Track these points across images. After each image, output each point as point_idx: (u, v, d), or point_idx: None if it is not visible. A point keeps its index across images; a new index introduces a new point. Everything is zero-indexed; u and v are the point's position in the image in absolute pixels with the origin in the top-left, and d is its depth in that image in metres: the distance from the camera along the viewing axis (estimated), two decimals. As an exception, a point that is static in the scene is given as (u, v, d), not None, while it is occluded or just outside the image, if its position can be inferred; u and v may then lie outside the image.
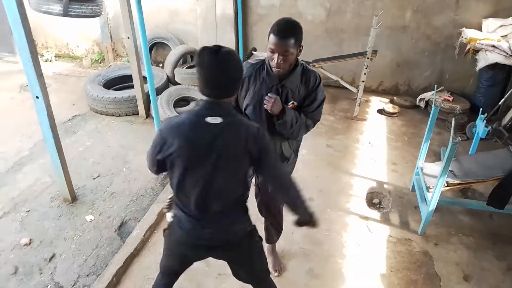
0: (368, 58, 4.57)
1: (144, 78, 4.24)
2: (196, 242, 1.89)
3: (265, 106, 2.11)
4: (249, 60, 2.18)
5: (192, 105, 4.76)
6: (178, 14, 5.87)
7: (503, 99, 4.67)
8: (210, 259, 2.92)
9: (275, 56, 2.03)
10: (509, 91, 4.64)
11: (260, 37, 5.86)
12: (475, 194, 3.70)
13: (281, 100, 2.14)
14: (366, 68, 4.63)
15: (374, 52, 4.68)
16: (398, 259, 3.02)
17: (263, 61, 2.22)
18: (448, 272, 2.94)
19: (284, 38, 1.99)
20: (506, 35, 4.61)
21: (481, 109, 3.76)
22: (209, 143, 1.67)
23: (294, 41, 2.03)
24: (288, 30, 2.02)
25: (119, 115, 4.90)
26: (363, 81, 4.76)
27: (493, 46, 4.53)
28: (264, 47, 5.69)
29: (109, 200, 3.53)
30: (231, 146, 1.72)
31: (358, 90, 4.87)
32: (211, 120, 1.66)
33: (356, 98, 4.94)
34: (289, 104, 2.20)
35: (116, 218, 3.33)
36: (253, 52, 5.36)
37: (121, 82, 5.34)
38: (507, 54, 4.44)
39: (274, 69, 2.12)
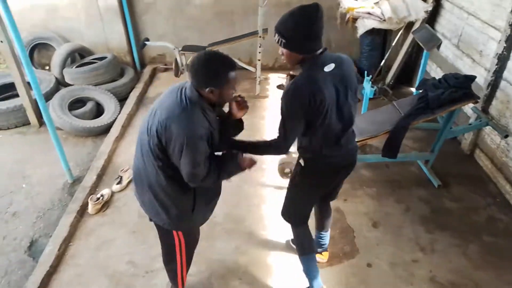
0: (260, 36, 4.71)
1: (29, 84, 3.89)
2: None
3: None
4: (193, 115, 1.80)
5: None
6: (57, 10, 5.41)
7: (383, 61, 5.18)
8: (137, 259, 2.89)
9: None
10: (388, 53, 5.16)
11: (150, 26, 5.68)
12: (372, 149, 4.09)
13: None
14: (260, 47, 4.77)
15: (265, 30, 4.83)
16: (314, 219, 3.24)
17: (199, 107, 1.84)
18: (359, 222, 3.25)
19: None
20: (378, 2, 5.07)
21: (366, 71, 4.13)
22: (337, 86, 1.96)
23: None
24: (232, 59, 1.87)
25: (8, 128, 4.46)
26: (259, 60, 4.90)
27: (369, 13, 4.95)
28: (156, 36, 5.56)
29: (12, 221, 3.23)
30: (351, 78, 2.04)
31: (256, 69, 5.02)
32: (327, 69, 1.93)
33: (256, 77, 5.08)
34: None
35: (24, 239, 3.08)
36: (146, 43, 5.20)
37: (3, 91, 4.81)
38: (381, 19, 4.90)
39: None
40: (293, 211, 2.49)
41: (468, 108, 4.06)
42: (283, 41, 1.88)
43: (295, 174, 2.34)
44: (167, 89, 1.96)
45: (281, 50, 1.95)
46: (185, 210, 2.04)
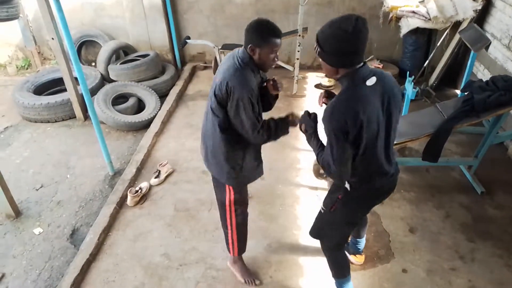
0: (299, 35, 4.68)
1: (76, 79, 4.07)
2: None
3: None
4: (239, 70, 2.06)
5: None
6: (104, 8, 5.64)
7: (427, 61, 5.01)
8: (171, 251, 2.96)
9: (275, 55, 2.09)
10: (432, 53, 4.98)
11: (192, 25, 5.79)
12: (412, 152, 3.97)
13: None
14: (299, 46, 4.75)
15: (305, 29, 4.80)
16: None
17: (249, 67, 2.07)
18: (395, 227, 3.17)
19: (281, 37, 2.06)
20: (423, 0, 4.90)
21: (408, 72, 4.00)
22: (381, 103, 1.82)
23: None
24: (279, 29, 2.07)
25: (55, 121, 4.69)
26: (297, 59, 4.88)
27: (413, 12, 4.80)
28: (197, 34, 5.66)
29: (56, 210, 3.40)
30: (395, 95, 1.86)
31: (294, 68, 5.00)
32: (369, 83, 1.79)
33: (294, 76, 5.07)
34: None
35: (67, 227, 3.23)
36: (187, 41, 5.30)
37: (52, 86, 5.08)
38: (426, 18, 4.74)
39: (269, 68, 2.16)
40: (330, 236, 2.39)
41: (517, 112, 3.85)
42: (319, 50, 1.80)
43: (335, 200, 2.17)
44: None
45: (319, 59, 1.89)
46: (235, 166, 2.26)
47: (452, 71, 5.18)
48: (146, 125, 4.48)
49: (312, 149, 2.04)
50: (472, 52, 3.99)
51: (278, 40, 2.03)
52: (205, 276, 2.77)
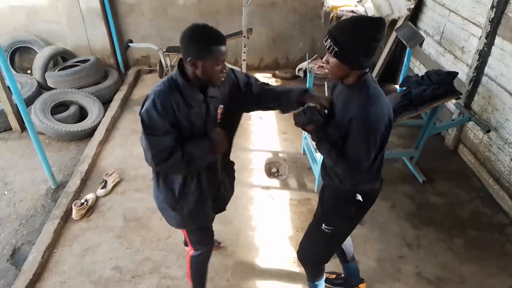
0: (244, 36, 4.69)
1: (10, 88, 3.81)
2: None
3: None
4: (157, 90, 1.81)
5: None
6: (38, 13, 5.32)
7: (368, 58, 5.20)
8: (122, 263, 2.84)
9: (223, 65, 1.76)
10: (372, 51, 5.18)
11: (134, 28, 5.62)
12: (358, 146, 4.11)
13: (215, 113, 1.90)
14: (244, 47, 4.76)
15: (249, 30, 4.82)
16: (301, 219, 3.25)
17: (172, 85, 1.79)
18: (346, 220, 3.26)
19: (225, 43, 1.72)
20: (361, 0, 5.09)
21: (350, 70, 4.14)
22: None
23: None
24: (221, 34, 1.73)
25: (-12, 134, 4.37)
26: (244, 60, 4.88)
27: (352, 11, 4.96)
28: (140, 37, 5.50)
29: (-7, 229, 3.17)
30: None
31: (241, 69, 5.00)
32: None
33: (241, 77, 5.06)
34: (218, 110, 1.93)
35: (6, 247, 3.02)
36: (130, 44, 5.15)
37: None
38: (365, 17, 4.92)
39: (219, 82, 1.82)
40: (329, 254, 2.28)
41: (451, 104, 4.10)
42: (336, 49, 1.64)
43: (346, 216, 2.05)
44: None
45: (327, 57, 1.71)
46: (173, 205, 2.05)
47: (391, 67, 5.44)
48: (90, 133, 4.29)
49: (318, 147, 1.89)
50: (408, 48, 4.21)
51: (222, 48, 1.69)
52: (159, 286, 2.69)
